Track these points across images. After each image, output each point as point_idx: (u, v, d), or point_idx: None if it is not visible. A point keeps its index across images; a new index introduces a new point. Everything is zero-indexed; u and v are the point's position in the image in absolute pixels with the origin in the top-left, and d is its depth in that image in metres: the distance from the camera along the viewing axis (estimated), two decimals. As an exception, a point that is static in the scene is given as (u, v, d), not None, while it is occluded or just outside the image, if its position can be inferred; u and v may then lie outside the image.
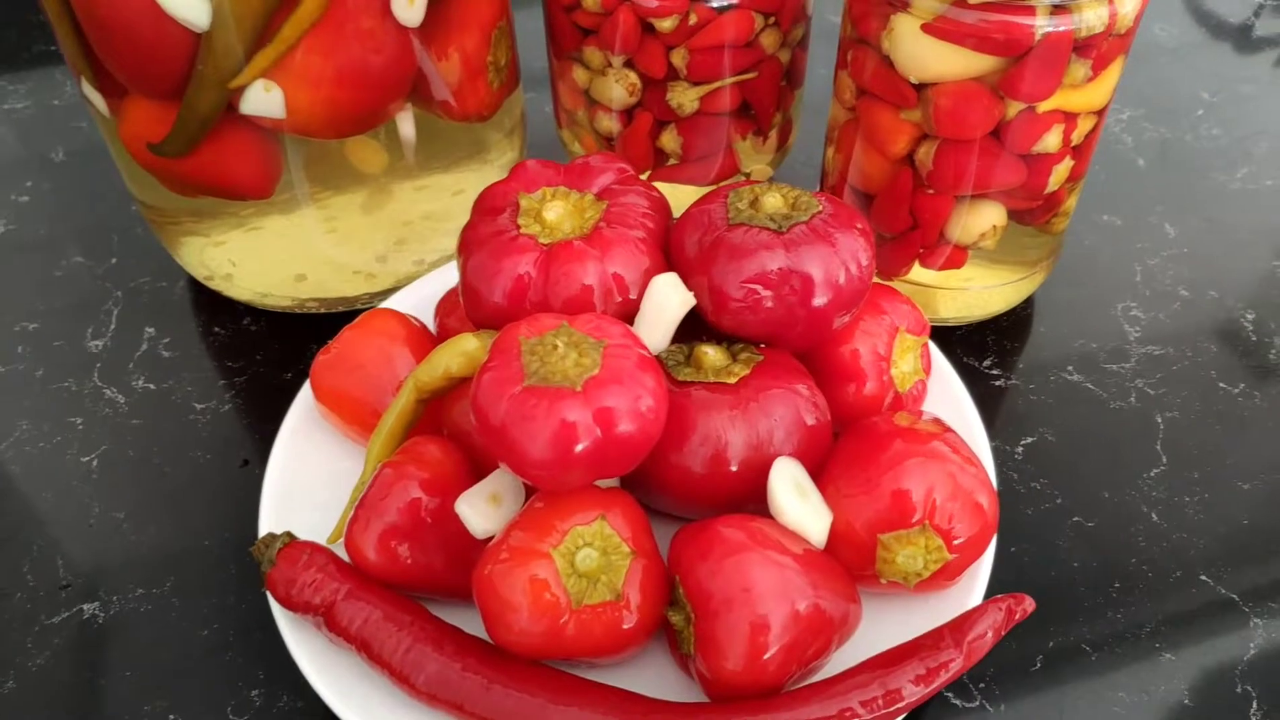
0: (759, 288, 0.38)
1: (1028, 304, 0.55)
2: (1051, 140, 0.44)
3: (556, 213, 0.41)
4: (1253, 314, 0.55)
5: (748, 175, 0.58)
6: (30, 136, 0.69)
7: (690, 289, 0.40)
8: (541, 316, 0.37)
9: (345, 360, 0.44)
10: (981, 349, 0.53)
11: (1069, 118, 0.44)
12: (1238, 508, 0.46)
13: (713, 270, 0.39)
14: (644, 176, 0.56)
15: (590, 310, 0.40)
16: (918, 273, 0.51)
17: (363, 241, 0.53)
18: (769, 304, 0.39)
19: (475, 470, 0.40)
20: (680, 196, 0.57)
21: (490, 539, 0.37)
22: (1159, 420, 0.49)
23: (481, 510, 0.38)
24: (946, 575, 0.37)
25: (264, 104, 0.44)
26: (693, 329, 0.41)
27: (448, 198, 0.55)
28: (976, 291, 0.51)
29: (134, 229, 0.61)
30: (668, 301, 0.40)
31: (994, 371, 0.52)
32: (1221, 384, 0.51)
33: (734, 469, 0.38)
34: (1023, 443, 0.49)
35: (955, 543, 0.37)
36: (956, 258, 0.49)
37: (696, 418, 0.38)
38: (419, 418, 0.42)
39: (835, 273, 0.39)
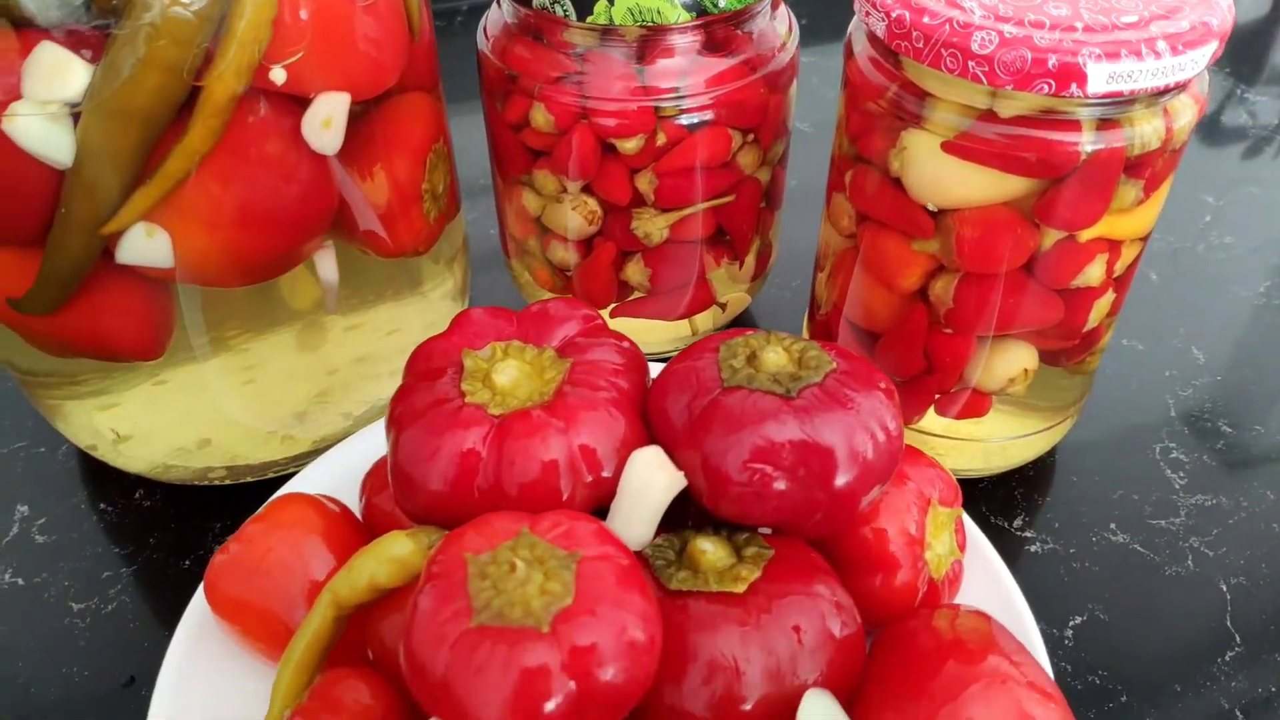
0: (767, 468, 0.31)
1: (1053, 448, 0.47)
2: (1094, 272, 0.38)
3: (510, 375, 0.33)
4: (1305, 451, 0.48)
5: (723, 306, 0.51)
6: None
7: (679, 466, 0.32)
8: (494, 519, 0.29)
9: (247, 562, 0.35)
10: (1009, 505, 0.45)
11: (1113, 245, 0.38)
12: (1338, 701, 0.38)
13: (707, 445, 0.31)
14: (606, 312, 0.49)
15: (555, 495, 0.32)
16: (930, 420, 0.43)
17: (278, 398, 0.45)
18: (780, 486, 0.31)
19: (411, 713, 0.32)
20: (647, 333, 0.50)
21: (433, 814, 0.29)
22: (1224, 589, 0.42)
23: (421, 773, 0.29)
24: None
25: (146, 251, 0.36)
26: (682, 505, 0.33)
27: (380, 338, 0.47)
28: (999, 442, 0.44)
29: (6, 382, 0.52)
30: (652, 485, 0.32)
31: (1027, 534, 0.44)
32: (1288, 539, 0.44)
33: (748, 708, 0.29)
34: (1072, 623, 0.41)
35: (1031, 795, 0.28)
36: (978, 405, 0.42)
37: (698, 642, 0.30)
38: (338, 638, 0.33)
39: (861, 445, 0.31)
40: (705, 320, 0.51)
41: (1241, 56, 0.83)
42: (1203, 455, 0.48)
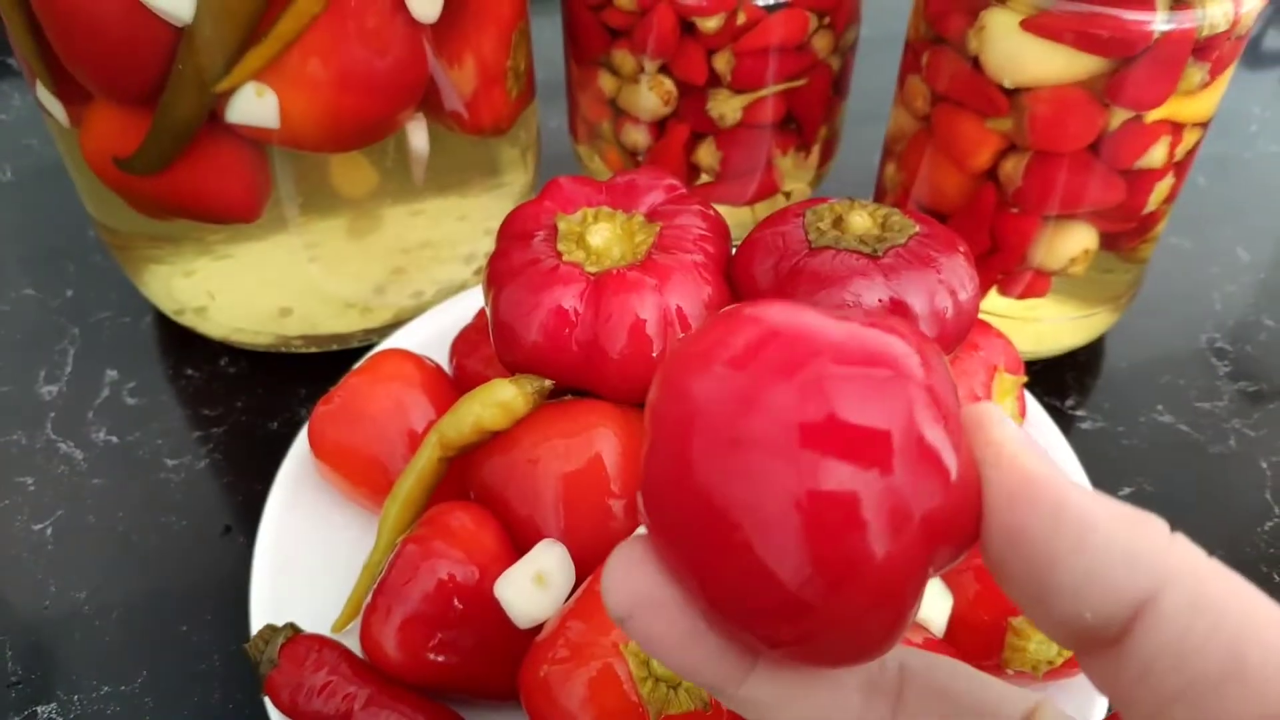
0: (853, 323, 0.32)
1: (1101, 336, 0.49)
2: (1157, 154, 0.39)
3: (603, 237, 0.35)
4: (1344, 345, 0.50)
5: (787, 195, 0.52)
6: (-27, 155, 0.61)
7: (764, 325, 0.34)
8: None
9: (351, 411, 0.37)
10: (1061, 387, 0.47)
11: (1176, 129, 0.39)
12: (1371, 567, 0.41)
13: (794, 303, 0.33)
14: (673, 197, 0.50)
15: (647, 349, 0.34)
16: (992, 300, 0.45)
17: (356, 270, 0.47)
18: (863, 342, 0.33)
19: (514, 543, 0.34)
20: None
21: (539, 629, 0.31)
22: (1265, 466, 0.44)
23: (526, 594, 0.32)
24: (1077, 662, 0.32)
25: (255, 111, 0.37)
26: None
27: (451, 223, 0.49)
28: (1052, 324, 0.46)
29: (92, 256, 0.54)
30: (740, 340, 0.34)
31: (1079, 413, 0.46)
32: (1326, 424, 0.46)
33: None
34: (1120, 494, 0.43)
35: (1095, 625, 0.31)
36: (1038, 285, 0.44)
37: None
38: (441, 478, 0.35)
39: (941, 303, 0.33)
40: (768, 210, 0.53)
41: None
42: (1245, 345, 0.49)
